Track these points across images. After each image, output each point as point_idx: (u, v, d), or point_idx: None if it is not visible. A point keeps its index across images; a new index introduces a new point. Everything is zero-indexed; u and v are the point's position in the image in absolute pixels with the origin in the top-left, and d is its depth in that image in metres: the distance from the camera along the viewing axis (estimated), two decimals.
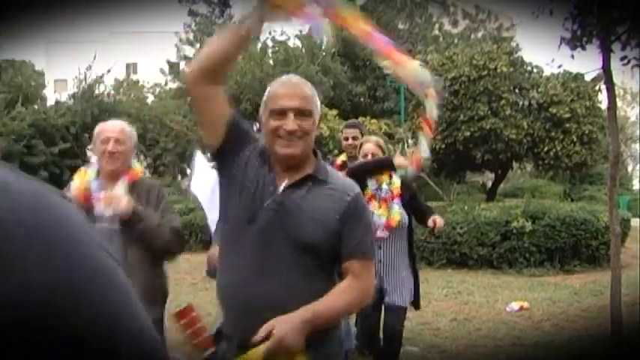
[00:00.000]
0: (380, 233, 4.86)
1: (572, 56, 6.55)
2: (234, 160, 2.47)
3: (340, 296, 2.39)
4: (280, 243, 2.35)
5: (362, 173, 4.91)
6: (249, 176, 2.44)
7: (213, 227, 4.65)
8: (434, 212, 5.20)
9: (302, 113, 2.37)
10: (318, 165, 2.48)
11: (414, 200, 5.20)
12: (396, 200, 5.01)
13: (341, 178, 2.56)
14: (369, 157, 4.97)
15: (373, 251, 2.57)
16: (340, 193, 2.42)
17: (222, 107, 2.44)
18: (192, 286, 10.09)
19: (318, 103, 2.47)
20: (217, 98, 2.41)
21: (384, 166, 4.96)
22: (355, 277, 2.40)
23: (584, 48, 6.31)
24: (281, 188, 2.40)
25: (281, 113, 2.37)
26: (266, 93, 2.47)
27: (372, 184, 5.00)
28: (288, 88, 2.42)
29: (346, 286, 2.41)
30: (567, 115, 18.03)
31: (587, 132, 18.39)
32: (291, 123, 2.35)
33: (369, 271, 2.49)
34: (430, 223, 4.96)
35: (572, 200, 19.85)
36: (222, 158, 2.51)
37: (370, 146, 5.01)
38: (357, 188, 2.51)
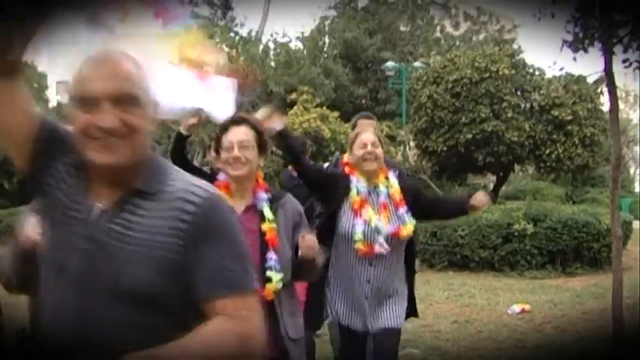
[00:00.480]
0: (378, 248, 3.90)
1: (575, 59, 6.55)
2: (46, 182, 1.76)
3: (197, 341, 1.57)
4: (102, 297, 1.61)
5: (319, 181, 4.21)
6: (60, 203, 1.72)
7: None
8: (464, 197, 4.29)
9: (123, 101, 1.62)
10: (151, 171, 1.70)
11: (419, 199, 4.19)
12: (403, 208, 4.04)
13: (189, 180, 1.73)
14: (369, 147, 4.01)
15: (251, 280, 1.70)
16: (182, 202, 1.64)
17: (18, 115, 1.73)
18: None
19: (150, 85, 1.71)
20: (8, 104, 1.70)
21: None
22: (227, 318, 1.60)
23: (586, 50, 6.31)
24: (95, 215, 1.66)
25: (92, 103, 1.62)
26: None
27: (361, 185, 4.01)
28: (100, 67, 1.65)
29: (213, 327, 1.60)
30: (569, 118, 17.99)
31: (589, 134, 18.35)
32: (106, 117, 1.60)
33: (250, 310, 1.65)
34: (474, 202, 4.04)
35: (573, 203, 19.81)
36: (33, 184, 1.78)
37: (370, 136, 4.08)
38: (209, 191, 1.70)
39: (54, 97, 34.98)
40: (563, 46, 6.44)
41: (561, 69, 12.35)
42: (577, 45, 6.30)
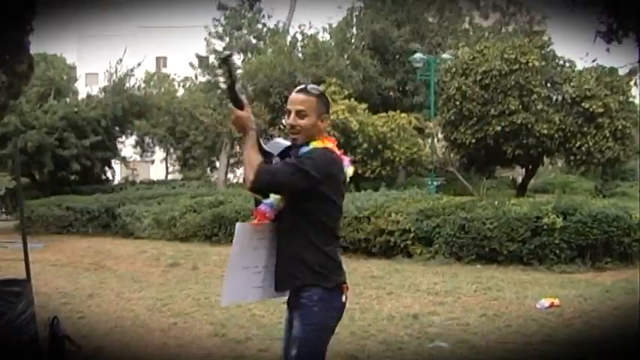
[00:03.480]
0: None
1: (608, 50, 6.47)
2: None
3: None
4: None
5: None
6: None
7: None
8: None
9: None
10: None
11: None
12: None
13: None
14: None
15: None
16: None
17: None
18: (221, 277, 10.12)
19: None
20: None
21: None
22: None
23: (620, 41, 6.22)
24: None
25: None
26: None
27: None
28: None
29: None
30: (600, 110, 17.79)
31: (620, 127, 18.14)
32: None
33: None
34: None
35: (603, 196, 19.57)
36: None
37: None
38: None
39: (83, 88, 35.37)
40: (596, 37, 6.36)
41: (594, 60, 12.15)
42: (611, 36, 6.22)
